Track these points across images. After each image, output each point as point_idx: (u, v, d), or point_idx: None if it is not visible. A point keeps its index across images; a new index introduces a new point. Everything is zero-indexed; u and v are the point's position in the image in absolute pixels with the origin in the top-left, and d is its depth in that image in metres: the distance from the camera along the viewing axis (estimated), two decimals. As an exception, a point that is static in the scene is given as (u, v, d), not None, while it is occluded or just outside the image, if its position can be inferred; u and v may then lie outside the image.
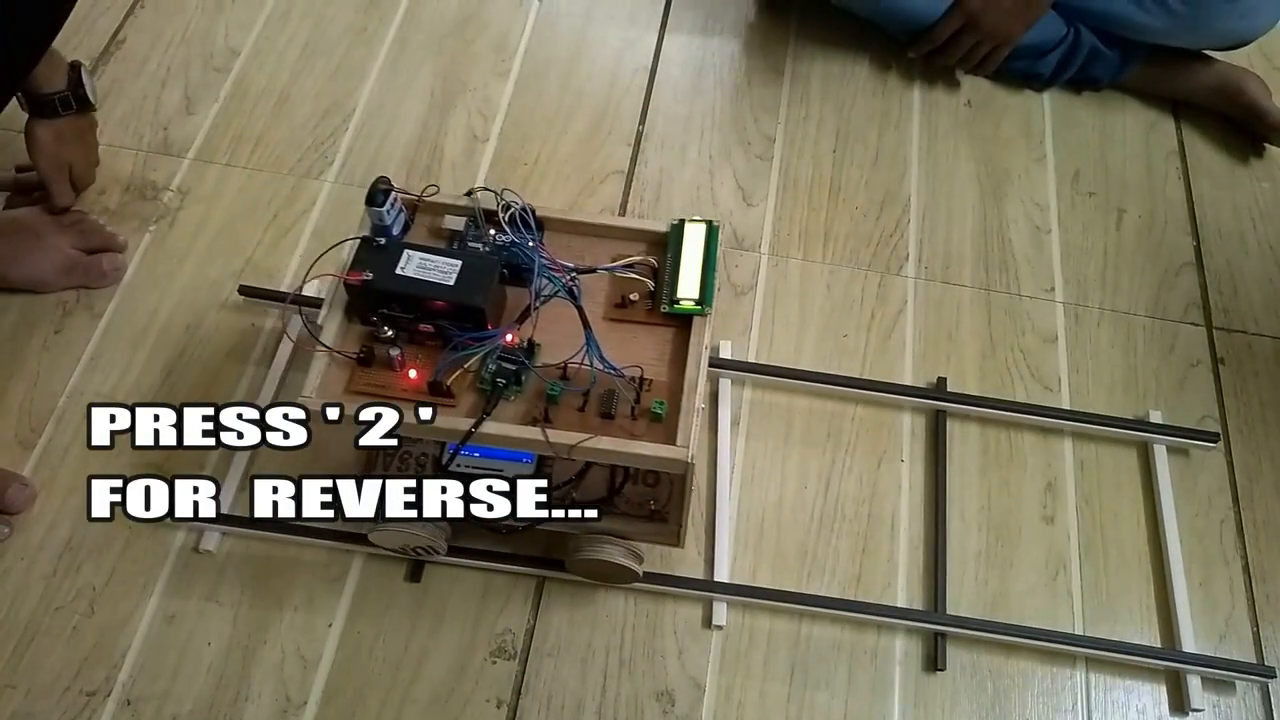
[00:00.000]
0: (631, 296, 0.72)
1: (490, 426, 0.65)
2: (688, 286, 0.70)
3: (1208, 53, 1.18)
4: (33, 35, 0.78)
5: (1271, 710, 0.84)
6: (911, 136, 1.14)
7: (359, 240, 0.70)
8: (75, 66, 0.89)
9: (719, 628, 0.83)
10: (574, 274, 0.70)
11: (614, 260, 0.73)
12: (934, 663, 0.83)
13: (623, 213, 1.05)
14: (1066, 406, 0.96)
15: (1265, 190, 1.15)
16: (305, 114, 1.09)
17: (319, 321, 0.69)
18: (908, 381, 0.96)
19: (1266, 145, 1.17)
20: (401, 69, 1.13)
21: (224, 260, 0.98)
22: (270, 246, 0.99)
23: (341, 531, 0.84)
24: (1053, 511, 0.91)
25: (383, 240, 0.69)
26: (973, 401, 0.94)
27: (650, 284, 0.72)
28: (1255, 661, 0.85)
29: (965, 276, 1.04)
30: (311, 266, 0.69)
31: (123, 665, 0.78)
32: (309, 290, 0.95)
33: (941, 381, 0.95)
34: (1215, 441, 0.94)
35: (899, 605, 0.85)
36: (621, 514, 0.77)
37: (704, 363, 0.69)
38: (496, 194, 0.72)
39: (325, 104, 1.10)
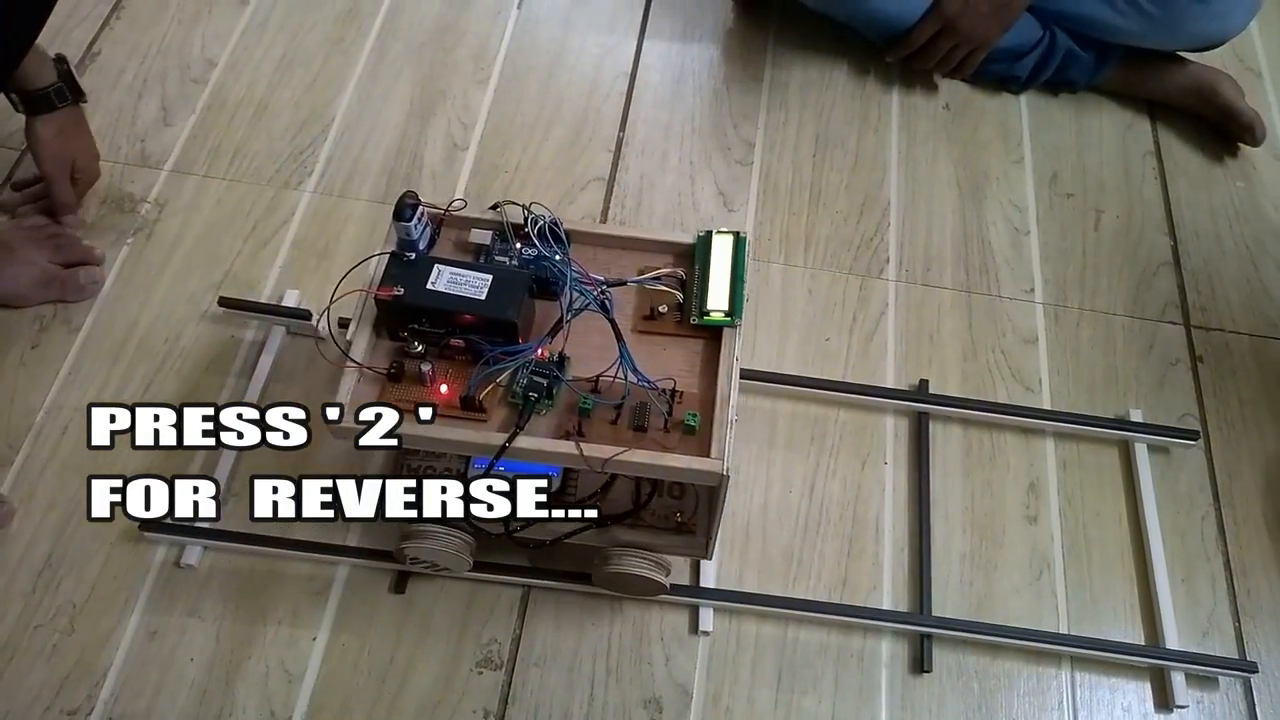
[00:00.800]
0: (660, 308, 0.71)
1: (524, 441, 0.65)
2: (717, 298, 0.70)
3: (1182, 54, 1.19)
4: (16, 31, 0.77)
5: (1254, 704, 0.84)
6: (890, 140, 1.14)
7: (387, 255, 0.69)
8: (61, 59, 0.89)
9: (706, 633, 0.83)
10: (604, 287, 0.69)
11: (641, 272, 0.73)
12: (920, 665, 0.83)
13: (604, 220, 1.05)
14: (1048, 407, 0.97)
15: (1240, 190, 1.16)
16: (283, 124, 1.08)
17: (348, 337, 0.68)
18: (890, 384, 0.97)
19: (1240, 145, 1.18)
20: (380, 78, 1.13)
21: (203, 272, 0.97)
22: (250, 257, 0.98)
23: (325, 544, 0.83)
24: (1035, 511, 0.91)
25: (412, 255, 0.69)
26: (955, 403, 0.95)
27: (679, 295, 0.71)
28: (1237, 657, 0.86)
29: (946, 279, 1.04)
30: (340, 283, 0.68)
31: (104, 683, 0.78)
32: (289, 301, 0.95)
33: (924, 384, 0.96)
34: (1195, 439, 0.95)
35: (885, 608, 0.85)
36: (648, 526, 0.77)
37: (736, 374, 0.68)
38: (523, 207, 0.72)
39: (304, 114, 1.09)
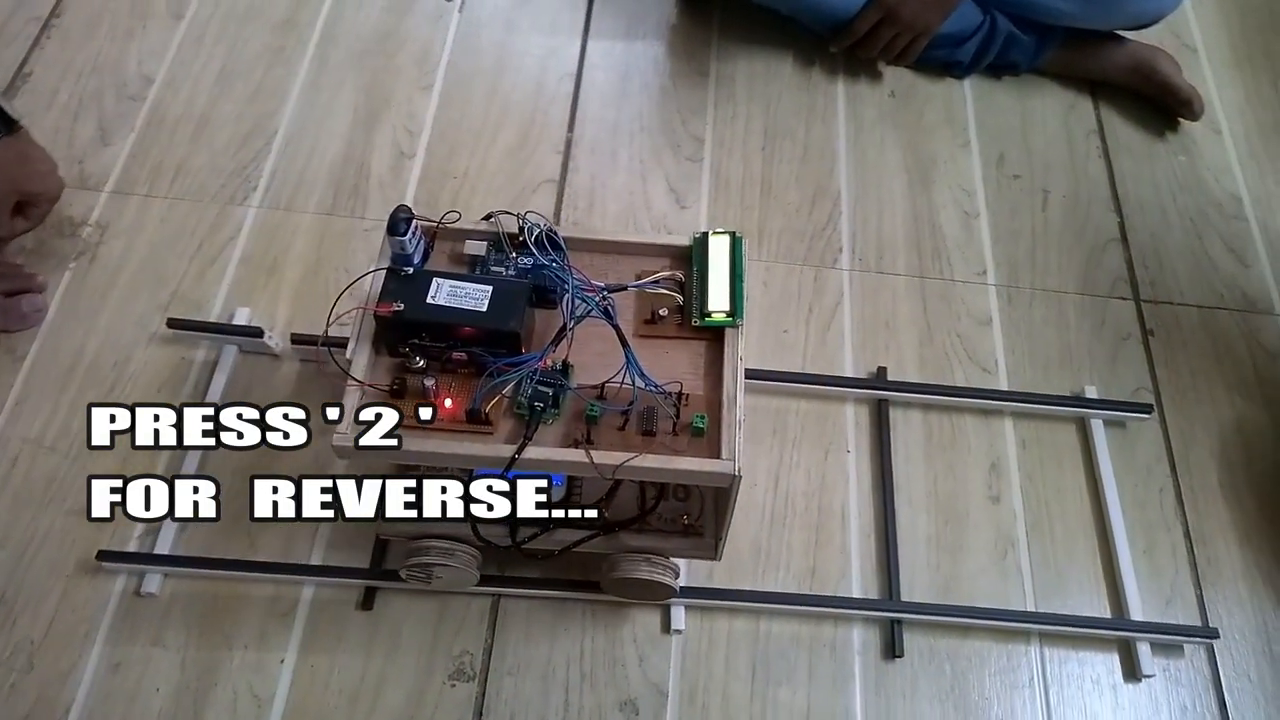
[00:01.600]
0: (661, 312, 0.71)
1: (533, 451, 0.64)
2: (718, 298, 0.70)
3: (1120, 33, 1.20)
4: None
5: (1218, 669, 0.86)
6: (838, 130, 1.15)
7: (384, 271, 0.68)
8: None
9: (679, 632, 0.83)
10: (605, 293, 0.69)
11: (639, 276, 0.72)
12: (892, 650, 0.83)
13: (557, 220, 1.05)
14: (1005, 387, 0.98)
15: (1182, 164, 1.18)
16: (225, 139, 1.06)
17: (348, 355, 0.67)
18: (848, 373, 0.97)
19: (1180, 120, 1.20)
20: (322, 88, 1.11)
21: (149, 294, 0.95)
22: (197, 277, 0.97)
23: (288, 564, 0.82)
24: (998, 491, 0.92)
25: (410, 270, 0.68)
26: (913, 389, 0.95)
27: (679, 298, 0.71)
28: (1200, 623, 0.87)
29: (899, 265, 1.05)
30: (335, 303, 0.67)
31: None
32: (240, 319, 0.93)
33: (882, 371, 0.96)
34: (1149, 412, 0.96)
35: (854, 596, 0.86)
36: (656, 530, 0.77)
37: (741, 374, 0.68)
38: (518, 216, 0.71)
39: (246, 127, 1.07)
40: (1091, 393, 0.97)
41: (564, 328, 0.66)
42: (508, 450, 0.64)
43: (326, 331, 0.68)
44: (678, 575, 0.77)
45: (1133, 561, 0.89)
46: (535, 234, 0.70)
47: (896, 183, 1.11)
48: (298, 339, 0.91)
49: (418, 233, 0.69)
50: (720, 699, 0.81)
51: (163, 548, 0.82)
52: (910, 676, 0.83)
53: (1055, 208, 1.12)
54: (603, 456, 0.64)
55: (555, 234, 0.70)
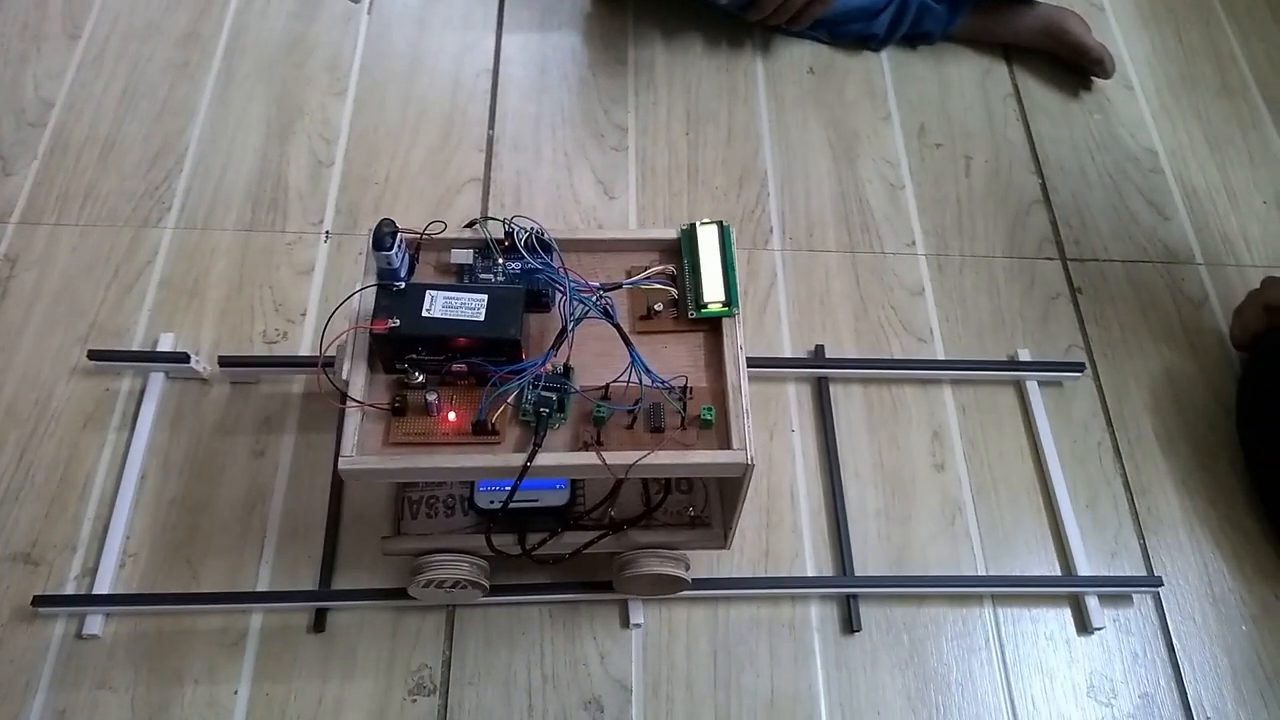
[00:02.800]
0: (656, 307, 0.70)
1: (544, 458, 0.63)
2: (712, 289, 0.69)
3: (1028, -4, 1.22)
4: None
5: (1165, 615, 0.88)
6: (760, 111, 1.15)
7: (375, 288, 0.66)
8: None
9: (638, 626, 0.83)
10: (602, 293, 0.68)
11: (629, 272, 0.72)
12: (850, 625, 0.84)
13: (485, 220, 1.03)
14: (941, 356, 0.99)
15: (1098, 122, 1.20)
16: (134, 160, 1.03)
17: (344, 376, 0.65)
18: (787, 353, 0.97)
19: (1093, 79, 1.22)
20: (231, 101, 1.08)
21: (66, 326, 0.92)
22: (115, 305, 0.94)
23: (233, 593, 0.80)
24: (942, 459, 0.93)
25: (401, 284, 0.66)
26: (852, 364, 0.96)
27: (674, 292, 0.70)
28: (1145, 573, 0.89)
29: (829, 242, 1.05)
30: (327, 325, 0.65)
31: (14, 773, 0.74)
32: (165, 345, 0.91)
33: (819, 349, 0.97)
34: (1082, 370, 0.98)
35: (809, 575, 0.86)
36: (663, 525, 0.76)
37: (743, 363, 0.67)
38: (504, 221, 0.70)
39: (155, 147, 1.04)
40: (1025, 355, 0.98)
41: (563, 330, 0.65)
42: (518, 459, 0.63)
43: (322, 354, 0.66)
44: (688, 567, 0.77)
45: (1076, 517, 0.90)
46: (526, 237, 0.69)
47: (821, 160, 1.12)
48: (226, 361, 0.89)
49: (402, 245, 0.67)
50: (684, 689, 0.81)
51: (102, 587, 0.80)
52: (870, 649, 0.84)
53: (978, 173, 1.13)
54: (615, 457, 0.63)
55: (546, 236, 0.69)
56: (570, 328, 0.65)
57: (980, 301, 1.03)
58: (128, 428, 0.87)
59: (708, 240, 0.71)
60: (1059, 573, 0.88)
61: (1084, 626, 0.86)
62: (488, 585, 0.76)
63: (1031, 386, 0.97)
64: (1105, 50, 1.19)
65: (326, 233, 1.00)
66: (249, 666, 0.79)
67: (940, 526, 0.90)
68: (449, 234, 0.71)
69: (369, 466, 0.63)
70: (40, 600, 0.78)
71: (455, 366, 0.65)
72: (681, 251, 0.72)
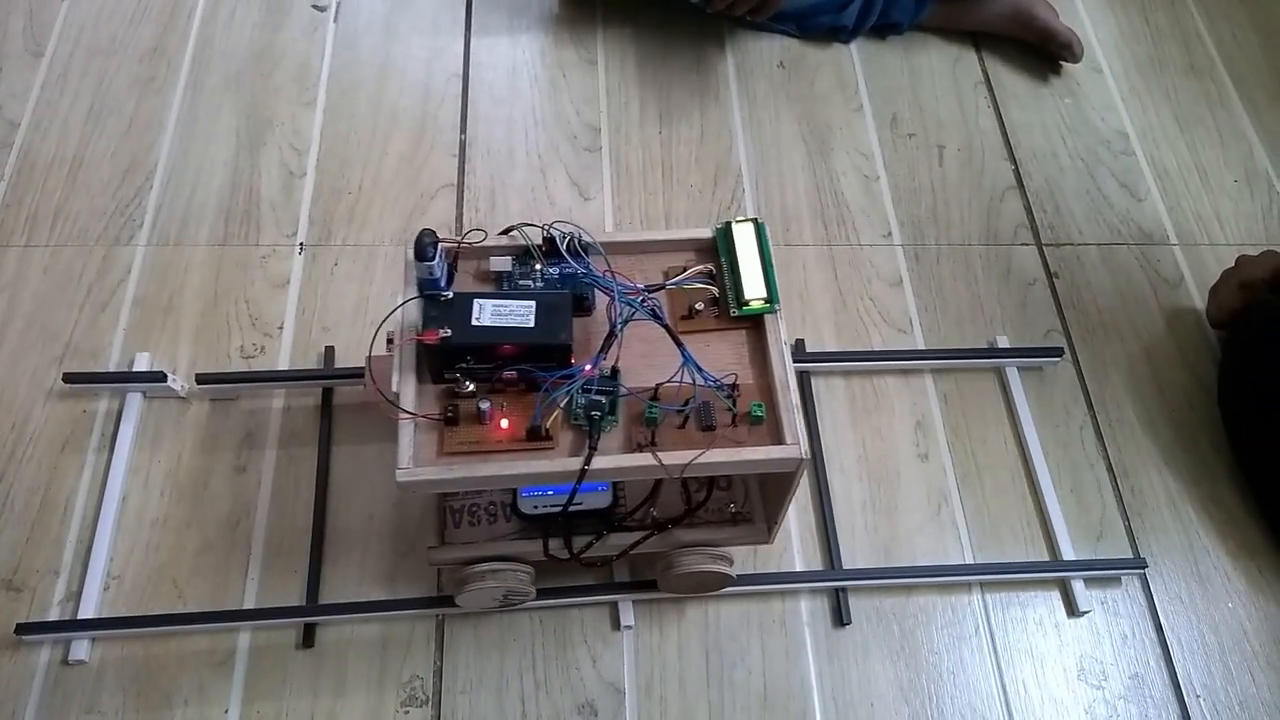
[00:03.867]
0: (697, 306, 0.70)
1: (600, 460, 0.63)
2: (753, 286, 0.69)
3: (996, -18, 1.23)
4: None
5: (1152, 596, 0.88)
6: (732, 107, 1.14)
7: (422, 299, 0.66)
8: None
9: (629, 627, 0.83)
10: (647, 294, 0.68)
11: (666, 273, 0.72)
12: (840, 617, 0.84)
13: (459, 225, 1.03)
14: (921, 346, 0.99)
15: (1068, 106, 1.20)
16: (103, 178, 1.02)
17: (394, 388, 0.64)
18: (769, 348, 0.97)
19: (1063, 63, 1.22)
20: (200, 114, 1.07)
21: (40, 349, 0.91)
22: (89, 325, 0.93)
23: (219, 611, 0.80)
24: (926, 449, 0.93)
25: (449, 294, 0.65)
26: (833, 357, 0.96)
27: (714, 290, 0.70)
28: (1130, 555, 0.90)
29: (806, 235, 1.05)
30: (374, 338, 0.65)
31: (4, 803, 0.73)
32: (140, 364, 0.90)
33: (799, 343, 0.97)
34: (1061, 355, 0.98)
35: (797, 569, 0.86)
36: (706, 523, 0.76)
37: (788, 358, 0.68)
38: (543, 227, 0.70)
39: (124, 164, 1.03)
40: (1004, 342, 0.99)
41: (611, 333, 0.65)
42: (574, 464, 0.63)
43: (370, 369, 0.66)
44: (732, 563, 0.77)
45: (1061, 501, 0.91)
46: (567, 241, 0.69)
47: (795, 154, 1.12)
48: (204, 378, 0.88)
49: (443, 256, 0.67)
50: (677, 688, 0.81)
51: (86, 611, 0.79)
52: (861, 641, 0.84)
53: (951, 162, 1.13)
54: (670, 457, 0.63)
55: (589, 239, 0.69)
56: (620, 330, 0.65)
57: (958, 290, 1.03)
58: (107, 449, 0.86)
59: (744, 237, 0.71)
60: (1046, 557, 0.89)
61: (1072, 610, 0.87)
62: (534, 591, 0.77)
63: (1012, 373, 0.97)
64: (1073, 34, 1.20)
65: (301, 244, 1.00)
66: (239, 686, 0.78)
67: (927, 516, 0.90)
68: (489, 242, 0.71)
69: (427, 478, 0.63)
70: (23, 628, 0.77)
71: (506, 374, 0.65)
72: (718, 250, 0.72)
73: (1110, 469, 0.94)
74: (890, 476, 0.92)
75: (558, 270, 0.70)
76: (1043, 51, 1.22)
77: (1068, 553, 0.88)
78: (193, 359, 0.92)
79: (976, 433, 0.95)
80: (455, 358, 0.64)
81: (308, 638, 0.80)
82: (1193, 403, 0.99)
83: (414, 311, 0.66)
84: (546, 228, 0.70)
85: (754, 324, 0.70)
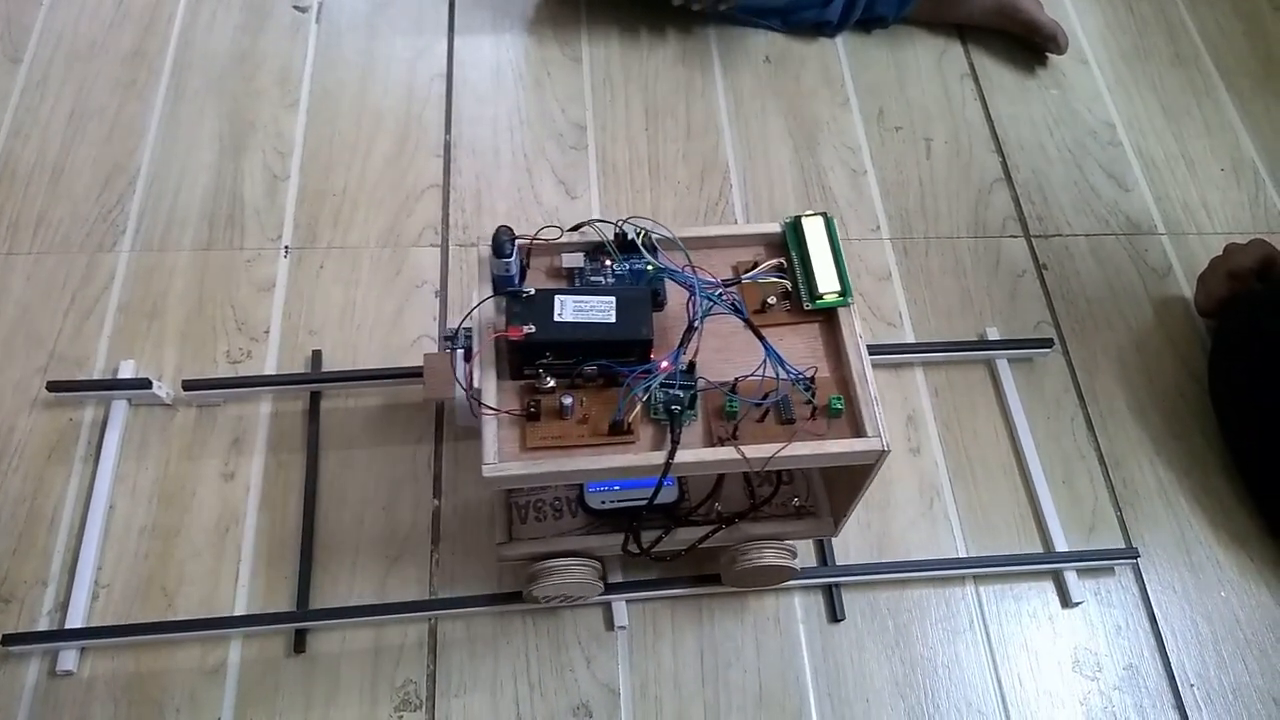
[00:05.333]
0: (769, 300, 0.70)
1: (683, 454, 0.63)
2: (826, 280, 0.69)
3: (979, -26, 1.22)
4: None
5: (1145, 586, 0.88)
6: (718, 103, 1.14)
7: (505, 296, 0.66)
8: None
9: (623, 628, 0.82)
10: (725, 289, 0.68)
11: (735, 267, 0.72)
12: (834, 614, 0.84)
13: (445, 226, 1.02)
14: (911, 339, 0.99)
15: (1054, 97, 1.20)
16: (85, 184, 1.01)
17: (476, 384, 0.65)
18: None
19: (1048, 54, 1.22)
20: (182, 118, 1.06)
21: (24, 358, 0.90)
22: (73, 333, 0.92)
23: (209, 619, 0.79)
24: (917, 443, 0.93)
25: (531, 291, 0.65)
26: (824, 352, 0.96)
27: (788, 284, 0.70)
28: (1123, 545, 0.90)
29: (795, 230, 1.05)
30: (457, 332, 0.66)
31: (-6, 817, 0.72)
32: (125, 372, 0.89)
33: (791, 339, 0.97)
34: (1051, 346, 0.98)
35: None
36: (770, 517, 0.77)
37: (864, 351, 0.68)
38: (616, 223, 0.70)
39: (105, 169, 1.02)
40: (994, 334, 0.99)
41: (690, 328, 0.65)
42: (657, 458, 0.63)
43: (471, 373, 0.66)
44: (795, 556, 0.78)
45: (1053, 493, 0.91)
46: (644, 236, 0.69)
47: (782, 149, 1.11)
48: (190, 384, 0.87)
49: (518, 252, 0.67)
50: (672, 688, 0.81)
51: (75, 621, 0.78)
52: (855, 637, 0.84)
53: (939, 155, 1.13)
54: (753, 450, 0.63)
55: (667, 234, 0.70)
56: (699, 325, 0.65)
57: (947, 283, 1.03)
58: (93, 458, 0.85)
59: (814, 231, 0.71)
60: (1039, 549, 0.89)
61: (1066, 601, 0.87)
62: (602, 586, 0.77)
63: (1002, 365, 0.97)
64: (1058, 26, 1.20)
65: (286, 248, 0.99)
66: (231, 693, 0.77)
67: (919, 511, 0.90)
68: (562, 240, 0.71)
69: (513, 473, 0.63)
70: (11, 639, 0.76)
71: (587, 369, 0.65)
72: (787, 244, 0.72)
73: (1101, 459, 0.94)
74: (883, 471, 0.90)
75: (627, 266, 0.70)
76: (1028, 44, 1.22)
77: (1060, 544, 0.88)
78: (179, 365, 0.91)
79: (968, 425, 0.95)
80: (536, 354, 0.65)
81: (299, 644, 0.79)
82: (1183, 392, 0.99)
83: (490, 309, 0.67)
84: (620, 223, 0.70)
85: (826, 317, 0.70)
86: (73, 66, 1.09)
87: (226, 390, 0.88)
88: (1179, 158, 1.16)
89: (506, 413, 0.65)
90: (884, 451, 0.65)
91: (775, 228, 0.73)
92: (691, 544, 0.75)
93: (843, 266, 0.70)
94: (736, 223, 1.05)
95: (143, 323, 0.93)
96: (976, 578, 0.87)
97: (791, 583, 0.84)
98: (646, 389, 0.64)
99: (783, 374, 0.65)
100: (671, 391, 0.65)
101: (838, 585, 0.85)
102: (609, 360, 0.65)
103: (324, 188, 1.03)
